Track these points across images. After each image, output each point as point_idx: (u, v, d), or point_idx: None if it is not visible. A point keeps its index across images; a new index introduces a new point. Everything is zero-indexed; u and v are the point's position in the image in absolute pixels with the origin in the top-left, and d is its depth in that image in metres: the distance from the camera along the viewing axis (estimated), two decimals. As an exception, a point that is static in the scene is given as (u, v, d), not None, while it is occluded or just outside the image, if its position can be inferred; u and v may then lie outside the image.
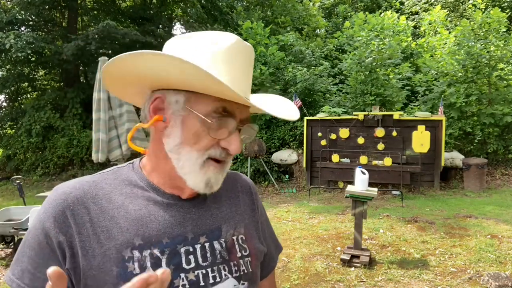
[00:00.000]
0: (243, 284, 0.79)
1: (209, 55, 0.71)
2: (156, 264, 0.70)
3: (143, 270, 0.69)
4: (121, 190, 0.76)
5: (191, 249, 0.75)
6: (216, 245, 0.78)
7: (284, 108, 0.84)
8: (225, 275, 0.77)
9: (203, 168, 0.72)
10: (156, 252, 0.71)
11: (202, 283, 0.74)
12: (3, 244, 5.02)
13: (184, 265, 0.73)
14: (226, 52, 0.72)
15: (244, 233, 0.85)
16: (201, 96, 0.70)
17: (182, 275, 0.72)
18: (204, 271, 0.75)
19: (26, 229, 4.64)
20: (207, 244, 0.77)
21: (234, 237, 0.82)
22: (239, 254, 0.81)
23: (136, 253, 0.70)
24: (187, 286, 0.72)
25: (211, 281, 0.75)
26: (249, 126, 0.77)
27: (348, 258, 4.16)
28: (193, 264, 0.74)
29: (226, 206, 0.86)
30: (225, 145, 0.72)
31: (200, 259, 0.75)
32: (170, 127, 0.72)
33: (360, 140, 8.36)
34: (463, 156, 8.59)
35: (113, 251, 0.69)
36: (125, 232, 0.71)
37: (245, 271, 0.81)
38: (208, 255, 0.76)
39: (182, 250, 0.74)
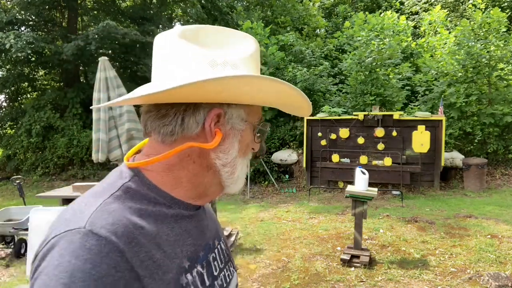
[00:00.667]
0: (238, 274, 0.88)
1: (245, 64, 0.69)
2: (202, 281, 0.69)
3: None
4: (147, 211, 0.65)
5: (214, 255, 0.77)
6: (222, 246, 0.83)
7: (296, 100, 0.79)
8: (232, 270, 0.83)
9: (247, 170, 0.76)
10: (200, 268, 0.70)
11: (225, 284, 0.77)
12: (3, 244, 5.02)
13: (215, 273, 0.74)
14: (252, 60, 0.71)
15: (221, 229, 0.91)
16: (253, 108, 0.73)
17: (215, 282, 0.73)
18: (223, 273, 0.78)
19: (26, 229, 4.65)
20: (219, 247, 0.81)
21: (222, 233, 0.89)
22: (229, 249, 0.88)
23: (189, 277, 0.66)
24: None
25: (228, 279, 0.79)
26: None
27: (348, 258, 4.17)
28: (218, 269, 0.76)
29: (207, 206, 0.87)
30: (258, 151, 0.78)
31: (220, 262, 0.78)
32: (228, 142, 0.70)
33: (360, 140, 8.36)
34: (463, 156, 8.59)
35: (172, 284, 0.62)
36: (173, 258, 0.64)
37: (234, 263, 0.88)
38: (222, 256, 0.80)
39: (211, 258, 0.75)
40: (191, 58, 0.66)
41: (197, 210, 0.75)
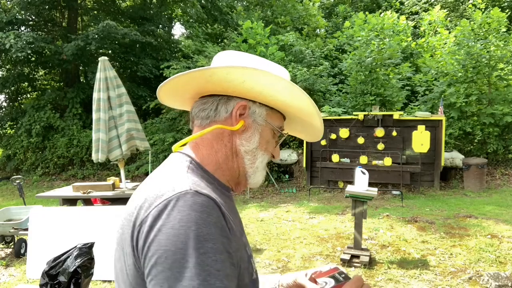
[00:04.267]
0: None
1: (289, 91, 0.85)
2: (252, 262, 0.84)
3: (247, 253, 0.82)
4: (210, 186, 0.79)
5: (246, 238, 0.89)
6: None
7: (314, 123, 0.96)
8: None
9: (264, 168, 0.89)
10: (249, 251, 0.84)
11: (255, 267, 0.88)
12: (3, 244, 5.03)
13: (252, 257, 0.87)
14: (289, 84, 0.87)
15: None
16: (274, 112, 0.89)
17: (255, 265, 0.87)
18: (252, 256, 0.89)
19: (26, 229, 4.65)
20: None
21: None
22: None
23: (244, 238, 0.83)
24: (256, 274, 0.86)
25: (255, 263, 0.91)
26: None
27: (348, 258, 4.16)
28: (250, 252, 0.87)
29: None
30: (274, 152, 0.93)
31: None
32: (250, 132, 0.85)
33: (360, 140, 8.36)
34: (463, 156, 8.59)
35: (240, 240, 0.78)
36: (235, 225, 0.78)
37: None
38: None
39: (247, 241, 0.86)
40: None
41: (231, 192, 0.90)
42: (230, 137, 0.85)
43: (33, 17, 13.48)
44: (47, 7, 12.99)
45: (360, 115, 8.36)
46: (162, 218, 0.65)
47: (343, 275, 0.90)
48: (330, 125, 8.65)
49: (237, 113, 0.84)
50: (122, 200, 4.76)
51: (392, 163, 8.04)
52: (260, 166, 0.87)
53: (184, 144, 0.88)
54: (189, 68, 10.58)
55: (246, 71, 0.77)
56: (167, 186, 0.71)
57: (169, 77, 0.93)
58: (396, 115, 8.21)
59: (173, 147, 0.89)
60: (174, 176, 0.75)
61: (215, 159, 0.84)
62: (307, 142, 8.82)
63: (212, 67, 0.78)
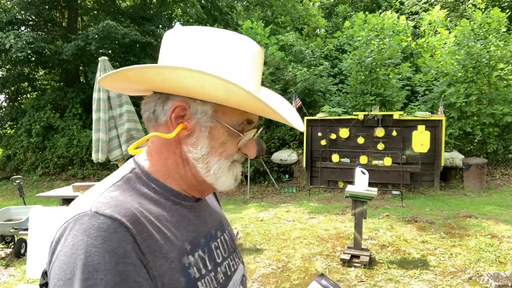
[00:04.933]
0: (243, 266, 0.92)
1: (236, 66, 0.71)
2: (204, 264, 0.74)
3: (200, 272, 0.72)
4: (146, 199, 0.71)
5: (217, 244, 0.81)
6: (226, 237, 0.87)
7: (291, 114, 0.83)
8: (237, 262, 0.87)
9: (230, 170, 0.76)
10: (201, 252, 0.74)
11: (229, 273, 0.81)
12: (3, 244, 5.03)
13: (217, 260, 0.79)
14: (251, 62, 0.73)
15: (228, 223, 0.95)
16: (227, 108, 0.72)
17: (219, 269, 0.78)
18: (227, 261, 0.83)
19: (26, 229, 4.65)
20: (222, 237, 0.85)
21: (229, 227, 0.93)
22: (236, 242, 0.92)
23: (191, 258, 0.71)
24: (223, 278, 0.78)
25: (232, 269, 0.84)
26: (260, 130, 0.82)
27: (348, 258, 4.16)
28: (221, 258, 0.80)
29: (211, 200, 0.93)
30: (245, 151, 0.77)
31: (223, 252, 0.82)
32: (195, 137, 0.73)
33: (360, 140, 8.36)
34: (463, 156, 8.59)
35: (176, 262, 0.68)
36: (175, 240, 0.69)
37: (241, 256, 0.93)
38: (225, 246, 0.84)
39: (213, 246, 0.79)
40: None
41: (197, 202, 0.80)
42: (177, 143, 0.74)
43: (33, 17, 13.48)
44: (47, 7, 12.99)
45: (360, 115, 8.36)
46: (60, 243, 0.61)
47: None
48: (330, 125, 8.65)
49: (173, 116, 0.71)
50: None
51: (392, 163, 8.04)
52: (220, 172, 0.74)
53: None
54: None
55: (177, 71, 0.65)
56: (75, 205, 0.66)
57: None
58: (396, 115, 8.21)
59: (128, 149, 0.80)
60: (91, 193, 0.68)
61: (165, 167, 0.75)
62: (307, 142, 8.83)
63: (139, 67, 0.65)
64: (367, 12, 12.71)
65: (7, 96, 14.45)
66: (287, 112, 0.81)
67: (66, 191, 5.04)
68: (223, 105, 0.71)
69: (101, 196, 0.66)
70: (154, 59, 13.90)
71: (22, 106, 13.73)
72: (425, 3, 15.79)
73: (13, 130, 13.61)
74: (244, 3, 16.73)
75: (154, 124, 0.74)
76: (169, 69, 0.64)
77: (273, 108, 0.66)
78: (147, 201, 0.70)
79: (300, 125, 0.80)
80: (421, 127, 7.75)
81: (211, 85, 0.64)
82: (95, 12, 14.95)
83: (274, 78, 10.52)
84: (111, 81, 0.73)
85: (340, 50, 13.20)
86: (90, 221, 0.60)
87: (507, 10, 12.44)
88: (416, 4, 16.03)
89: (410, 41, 12.55)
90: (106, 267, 0.57)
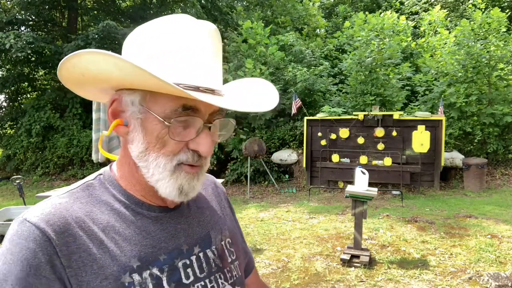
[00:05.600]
0: None
1: (161, 46, 0.63)
2: (158, 285, 0.65)
3: None
4: (101, 208, 0.66)
5: (188, 262, 0.71)
6: (210, 254, 0.75)
7: (259, 93, 0.74)
8: (222, 283, 0.75)
9: (173, 174, 0.65)
10: (156, 271, 0.66)
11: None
12: (3, 244, 5.02)
13: (184, 280, 0.69)
14: (182, 39, 0.63)
15: (230, 236, 0.83)
16: (158, 95, 0.63)
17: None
18: (203, 283, 0.71)
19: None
20: (201, 254, 0.74)
21: (223, 242, 0.80)
22: (229, 260, 0.79)
23: (136, 277, 0.63)
24: None
25: None
26: (222, 120, 0.69)
27: (348, 258, 4.16)
28: (192, 278, 0.70)
29: (209, 210, 0.83)
30: (194, 147, 0.65)
31: (197, 271, 0.71)
32: (131, 132, 0.66)
33: (360, 140, 8.36)
34: (463, 156, 8.59)
35: (111, 280, 0.61)
36: (118, 256, 0.63)
37: (237, 276, 0.79)
38: (204, 265, 0.73)
39: (180, 264, 0.69)
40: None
41: (168, 212, 0.72)
42: (124, 142, 0.69)
43: (33, 17, 13.48)
44: (47, 7, 13.00)
45: (360, 115, 8.36)
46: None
47: None
48: (330, 125, 8.66)
49: (110, 111, 0.67)
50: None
51: (392, 163, 8.04)
52: (159, 173, 0.64)
53: None
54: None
55: (82, 57, 0.58)
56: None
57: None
58: (396, 115, 8.21)
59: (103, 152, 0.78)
60: (48, 198, 0.67)
61: (125, 172, 0.70)
62: (307, 142, 8.83)
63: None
64: (367, 12, 12.71)
65: (7, 96, 14.45)
66: (247, 94, 0.72)
67: (66, 191, 5.03)
68: (152, 92, 0.63)
69: (45, 203, 0.64)
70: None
71: (22, 106, 13.72)
72: (425, 3, 15.79)
73: (13, 130, 13.61)
74: (244, 3, 16.73)
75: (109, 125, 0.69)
76: (75, 57, 0.58)
77: (162, 79, 0.55)
78: (101, 210, 0.66)
79: (238, 105, 0.66)
80: (421, 127, 7.75)
81: (106, 65, 0.58)
82: (95, 12, 14.95)
83: (274, 78, 10.52)
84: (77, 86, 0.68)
85: (340, 50, 13.20)
86: (17, 228, 0.59)
87: (507, 10, 12.45)
88: (416, 4, 16.03)
89: (410, 41, 12.55)
90: (16, 277, 0.56)
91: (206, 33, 0.65)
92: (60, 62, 0.61)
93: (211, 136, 0.66)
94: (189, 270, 0.70)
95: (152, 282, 0.64)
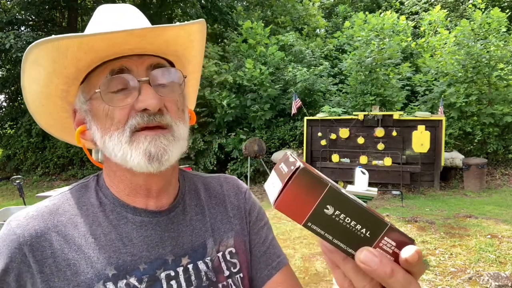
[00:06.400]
0: None
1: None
2: None
3: None
4: (87, 211, 0.65)
5: (172, 274, 0.65)
6: (201, 266, 0.69)
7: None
8: None
9: (132, 144, 0.61)
10: (133, 281, 0.62)
11: None
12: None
13: None
14: (96, 15, 0.69)
15: (234, 245, 0.75)
16: (89, 79, 0.64)
17: None
18: None
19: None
20: (190, 266, 0.68)
21: (220, 254, 0.73)
22: (227, 273, 0.71)
23: (110, 286, 0.60)
24: None
25: None
26: (161, 70, 0.64)
27: (348, 258, 4.16)
28: None
29: (210, 215, 0.76)
30: (139, 106, 0.60)
31: (183, 284, 0.66)
32: (89, 128, 0.65)
33: (360, 140, 8.36)
34: (463, 156, 8.59)
35: (83, 287, 0.59)
36: (95, 262, 0.61)
37: None
38: (193, 278, 0.67)
39: (163, 275, 0.64)
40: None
41: (155, 217, 0.68)
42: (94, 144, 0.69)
43: (33, 17, 13.48)
44: (47, 7, 12.99)
45: (360, 115, 8.36)
46: None
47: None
48: (330, 125, 8.66)
49: (75, 124, 0.69)
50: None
51: (392, 163, 8.04)
52: (119, 149, 0.61)
53: None
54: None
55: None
56: None
57: None
58: (396, 115, 8.21)
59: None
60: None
61: (107, 172, 0.69)
62: (307, 142, 8.83)
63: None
64: (367, 12, 12.71)
65: (7, 96, 14.45)
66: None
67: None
68: (86, 80, 0.64)
69: (34, 206, 0.65)
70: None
71: (22, 106, 13.72)
72: (425, 3, 15.80)
73: (13, 130, 13.61)
74: (244, 3, 16.72)
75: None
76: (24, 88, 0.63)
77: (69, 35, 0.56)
78: (86, 214, 0.64)
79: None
80: (421, 127, 7.75)
81: (40, 54, 0.59)
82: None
83: (274, 78, 10.52)
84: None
85: (340, 50, 13.20)
86: (3, 229, 0.62)
87: (507, 10, 12.44)
88: (416, 4, 16.03)
89: (410, 41, 12.55)
90: None
91: (118, 7, 0.69)
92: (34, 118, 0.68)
93: (154, 89, 0.61)
94: (173, 282, 0.65)
95: None
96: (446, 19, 13.61)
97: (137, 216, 0.66)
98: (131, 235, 0.65)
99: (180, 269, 0.67)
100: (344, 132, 8.47)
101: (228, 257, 0.73)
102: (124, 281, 0.61)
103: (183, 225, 0.70)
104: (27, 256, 0.59)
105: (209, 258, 0.71)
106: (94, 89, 0.62)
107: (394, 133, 8.14)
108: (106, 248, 0.63)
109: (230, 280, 0.71)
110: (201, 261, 0.69)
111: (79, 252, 0.61)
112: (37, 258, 0.59)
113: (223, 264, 0.72)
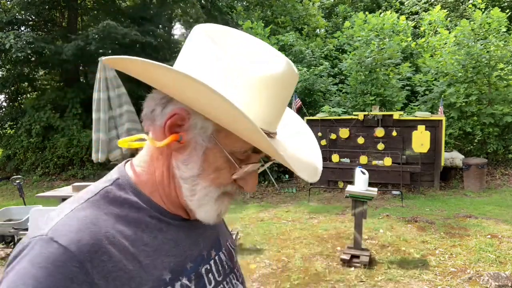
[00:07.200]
0: (244, 286, 0.82)
1: (248, 87, 0.59)
2: None
3: None
4: (126, 218, 0.62)
5: (208, 267, 0.71)
6: (222, 256, 0.77)
7: (310, 159, 0.77)
8: (235, 283, 0.77)
9: (217, 202, 0.65)
10: (185, 281, 0.64)
11: None
12: (3, 244, 5.03)
13: (208, 286, 0.69)
14: (270, 85, 0.61)
15: (229, 236, 0.86)
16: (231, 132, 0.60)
17: None
18: (221, 286, 0.72)
19: (26, 229, 4.65)
20: (217, 258, 0.75)
21: (228, 243, 0.82)
22: (235, 259, 0.81)
23: None
24: None
25: None
26: (271, 160, 0.68)
27: (348, 258, 4.17)
28: (213, 283, 0.70)
29: None
30: (242, 183, 0.66)
31: (216, 275, 0.72)
32: (187, 153, 0.62)
33: (360, 140, 8.36)
34: (463, 156, 8.59)
35: None
36: (152, 269, 0.60)
37: (242, 274, 0.82)
38: (220, 268, 0.74)
39: (203, 270, 0.69)
40: (202, 53, 0.61)
41: (186, 220, 0.70)
42: (168, 154, 0.65)
43: (33, 17, 13.47)
44: (47, 7, 12.98)
45: (360, 115, 8.36)
46: (11, 265, 0.55)
47: None
48: (330, 125, 8.65)
49: (168, 123, 0.61)
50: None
51: (392, 163, 8.04)
52: (205, 200, 0.64)
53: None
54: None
55: (169, 73, 0.55)
56: (37, 225, 0.59)
57: None
58: (396, 115, 8.21)
59: (118, 142, 0.73)
60: (59, 210, 0.61)
61: (152, 178, 0.66)
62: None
63: (134, 59, 0.57)
64: (367, 12, 12.70)
65: (7, 96, 14.44)
66: (302, 155, 0.73)
67: (66, 191, 5.04)
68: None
69: (68, 217, 0.58)
70: (154, 59, 13.85)
71: (22, 106, 13.73)
72: (425, 3, 15.79)
73: (13, 130, 13.60)
74: (244, 3, 16.72)
75: (150, 124, 0.65)
76: (163, 69, 0.55)
77: (278, 152, 0.56)
78: (125, 222, 0.61)
79: (308, 174, 0.71)
80: (421, 127, 7.75)
81: (209, 102, 0.54)
82: (95, 12, 14.95)
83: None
84: (115, 65, 0.64)
85: (340, 50, 13.20)
86: (40, 249, 0.53)
87: (507, 10, 12.43)
88: (416, 4, 16.02)
89: (410, 41, 12.55)
90: None
91: (294, 80, 0.66)
92: (131, 58, 0.57)
93: (257, 176, 0.68)
94: (210, 275, 0.70)
95: None
96: (446, 19, 13.61)
97: (174, 220, 0.68)
98: (175, 237, 0.67)
99: (212, 262, 0.73)
100: (344, 132, 8.47)
101: (231, 246, 0.83)
102: (179, 282, 0.64)
103: (202, 223, 0.72)
104: (90, 274, 0.53)
105: (224, 248, 0.79)
106: (229, 147, 0.62)
107: (394, 133, 8.14)
108: (157, 253, 0.63)
109: (237, 265, 0.81)
110: (221, 252, 0.77)
111: (135, 261, 0.59)
112: (102, 275, 0.54)
113: (233, 252, 0.82)
